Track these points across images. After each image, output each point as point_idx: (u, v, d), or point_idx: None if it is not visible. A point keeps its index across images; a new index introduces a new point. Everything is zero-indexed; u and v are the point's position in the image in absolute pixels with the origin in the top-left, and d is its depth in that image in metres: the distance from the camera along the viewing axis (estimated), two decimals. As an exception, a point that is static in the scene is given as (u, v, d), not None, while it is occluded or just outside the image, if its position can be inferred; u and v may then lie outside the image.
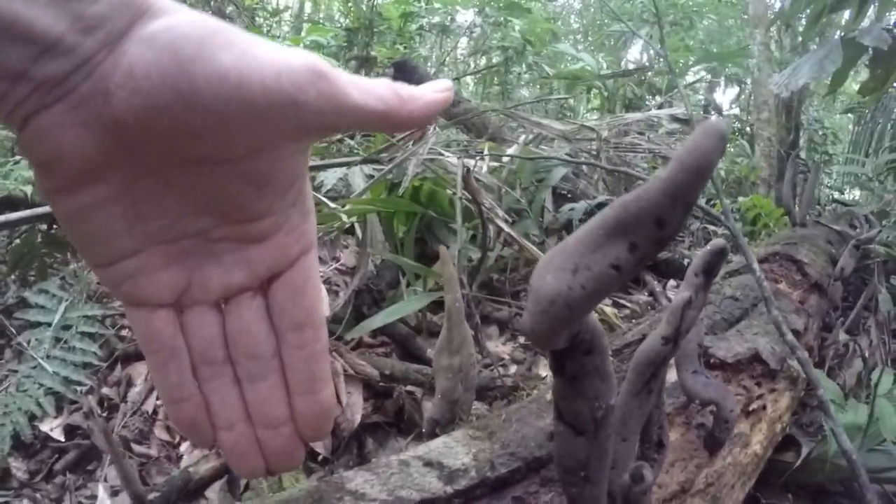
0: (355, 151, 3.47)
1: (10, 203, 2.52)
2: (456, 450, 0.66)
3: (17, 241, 2.68)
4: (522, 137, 2.22)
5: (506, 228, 1.81)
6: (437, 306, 1.92)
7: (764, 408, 1.18)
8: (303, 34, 4.85)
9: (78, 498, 1.72)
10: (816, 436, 1.44)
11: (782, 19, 4.20)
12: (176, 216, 0.39)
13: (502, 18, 7.70)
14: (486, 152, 2.07)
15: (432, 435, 1.00)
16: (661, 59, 6.81)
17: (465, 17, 8.40)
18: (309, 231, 0.43)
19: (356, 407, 1.54)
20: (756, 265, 1.32)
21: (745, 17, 6.81)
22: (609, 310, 2.09)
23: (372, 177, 2.15)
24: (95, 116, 0.33)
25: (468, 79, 9.02)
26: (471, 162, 1.84)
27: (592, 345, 0.44)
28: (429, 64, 8.14)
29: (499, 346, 2.06)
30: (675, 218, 0.35)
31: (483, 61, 9.19)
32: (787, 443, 1.42)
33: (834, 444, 1.21)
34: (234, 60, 0.34)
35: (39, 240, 2.54)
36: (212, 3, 6.63)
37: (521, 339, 2.11)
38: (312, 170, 1.95)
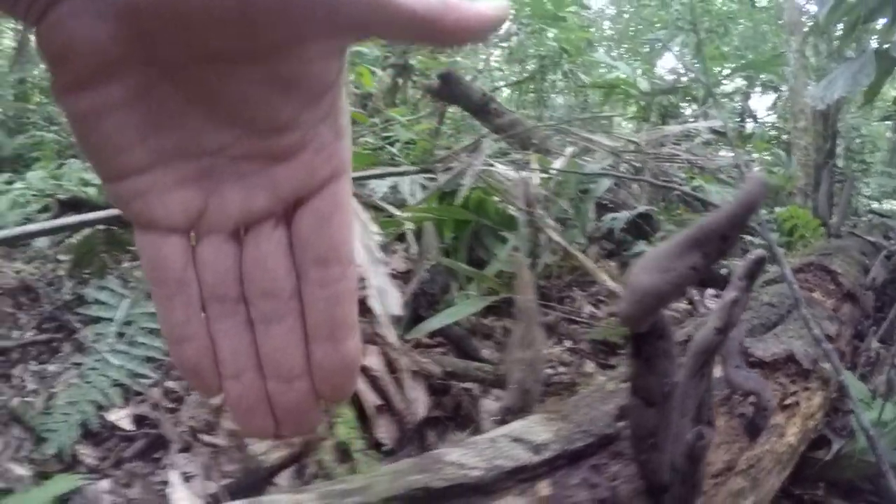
0: (397, 159, 3.61)
1: (75, 204, 2.67)
2: (536, 429, 0.78)
3: (79, 239, 2.79)
4: (569, 150, 2.33)
5: (556, 237, 1.92)
6: (487, 310, 2.04)
7: (797, 403, 1.28)
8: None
9: (148, 483, 1.80)
10: (847, 437, 1.54)
11: (817, 31, 4.24)
12: (195, 128, 0.36)
13: (537, 26, 7.77)
14: (535, 164, 2.19)
15: (503, 422, 1.12)
16: (697, 67, 6.83)
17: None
18: (341, 152, 0.38)
19: (420, 402, 1.66)
20: (789, 272, 1.42)
21: (781, 22, 6.79)
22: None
23: (422, 185, 2.28)
24: (110, 3, 0.32)
25: (502, 85, 9.05)
26: (528, 174, 1.96)
27: (664, 332, 0.57)
28: (463, 71, 8.25)
29: (547, 350, 2.17)
30: (733, 236, 0.49)
31: (517, 69, 9.29)
32: (820, 442, 1.52)
33: (862, 441, 1.31)
34: None
35: (100, 239, 2.66)
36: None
37: (568, 343, 2.21)
38: (367, 179, 2.07)
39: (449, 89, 3.32)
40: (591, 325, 2.29)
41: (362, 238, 1.58)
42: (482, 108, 3.23)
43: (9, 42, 10.16)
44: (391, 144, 4.17)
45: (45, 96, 8.01)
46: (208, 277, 0.37)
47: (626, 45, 11.50)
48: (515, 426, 0.81)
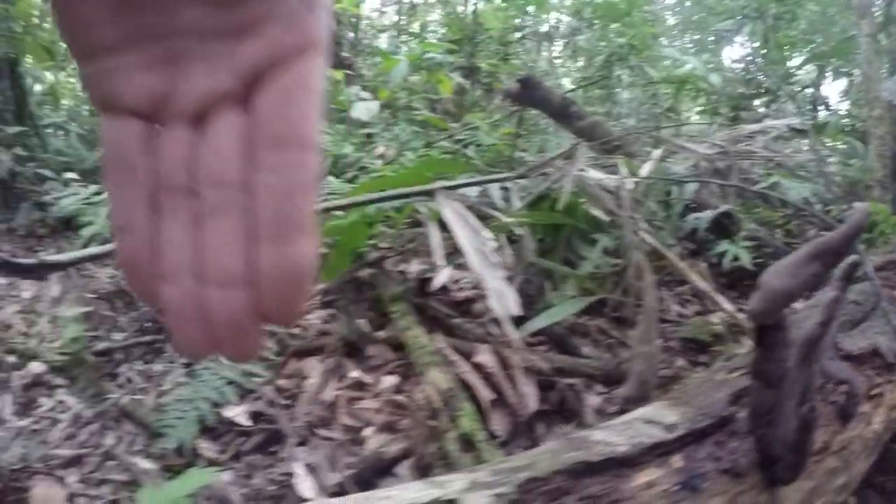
0: (472, 162, 3.74)
1: None
2: (664, 412, 0.94)
3: None
4: (656, 153, 2.43)
5: (649, 239, 2.04)
6: (583, 310, 2.17)
7: (882, 394, 1.40)
8: (405, 50, 5.13)
9: (269, 475, 1.92)
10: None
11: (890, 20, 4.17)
12: (164, 5, 0.34)
13: (601, 23, 7.79)
14: (623, 168, 2.29)
15: (623, 412, 1.26)
16: (766, 57, 6.74)
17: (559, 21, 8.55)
18: (313, 27, 0.35)
19: (530, 396, 1.80)
20: (871, 271, 1.53)
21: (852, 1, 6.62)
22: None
23: (507, 189, 2.41)
24: None
25: (566, 82, 9.07)
26: (622, 178, 2.07)
27: (783, 325, 0.72)
28: (527, 71, 8.31)
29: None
30: (844, 252, 0.64)
31: (581, 64, 9.32)
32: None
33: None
34: None
35: None
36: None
37: (658, 342, 2.33)
38: (465, 187, 2.19)
39: (529, 93, 3.39)
40: (679, 324, 2.40)
41: (473, 242, 1.71)
42: (563, 112, 3.31)
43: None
44: (465, 147, 4.32)
45: None
46: (162, 165, 0.35)
47: (689, 36, 11.34)
48: (644, 411, 0.96)
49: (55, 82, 9.19)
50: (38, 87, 8.95)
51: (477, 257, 1.67)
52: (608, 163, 2.45)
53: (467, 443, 1.64)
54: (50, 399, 2.80)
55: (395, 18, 10.02)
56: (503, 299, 1.57)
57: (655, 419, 0.91)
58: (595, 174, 2.20)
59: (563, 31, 8.30)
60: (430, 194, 1.96)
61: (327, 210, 1.94)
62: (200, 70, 0.35)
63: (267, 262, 0.33)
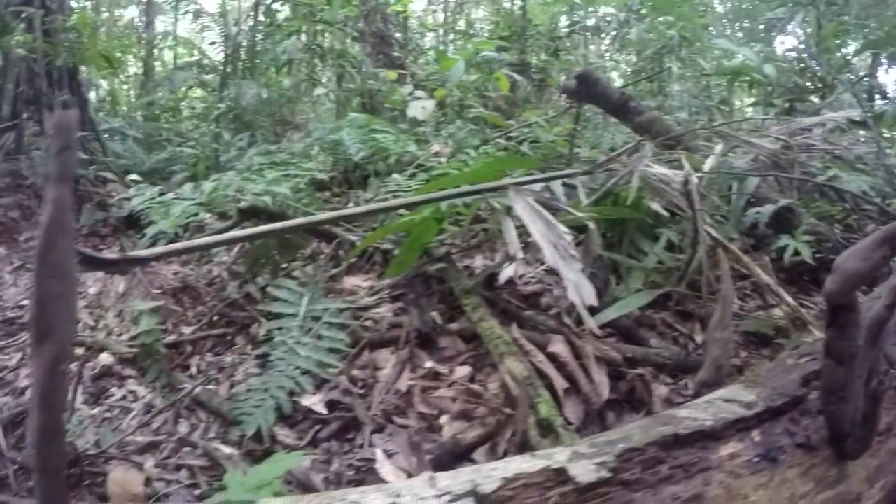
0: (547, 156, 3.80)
1: (254, 212, 2.98)
2: (742, 393, 1.03)
3: (256, 243, 3.05)
4: (718, 148, 2.47)
5: (713, 233, 2.10)
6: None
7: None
8: (469, 47, 5.20)
9: (347, 461, 2.00)
10: None
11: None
12: None
13: (650, 14, 7.74)
14: (686, 163, 2.33)
15: (698, 395, 1.34)
16: (819, 47, 6.63)
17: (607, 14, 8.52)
18: None
19: (603, 385, 1.88)
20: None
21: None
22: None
23: (569, 186, 2.47)
24: None
25: (615, 75, 9.00)
26: (688, 174, 2.12)
27: (855, 306, 0.81)
28: (577, 66, 8.30)
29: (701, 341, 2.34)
30: None
31: (628, 58, 9.28)
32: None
33: None
34: None
35: (274, 244, 2.90)
36: (370, 22, 7.15)
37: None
38: (536, 182, 2.24)
39: (587, 89, 3.44)
40: (741, 318, 2.44)
41: (548, 236, 1.79)
42: (621, 108, 3.34)
43: (136, 70, 10.99)
44: (519, 144, 4.38)
45: (171, 116, 8.75)
46: None
47: (739, 25, 11.13)
48: (723, 392, 1.06)
49: (114, 89, 9.51)
50: (95, 94, 9.26)
51: (552, 250, 1.75)
52: (669, 158, 2.49)
53: (545, 428, 1.72)
54: (120, 389, 2.94)
55: (442, 17, 10.09)
56: (581, 290, 1.65)
57: (734, 398, 1.00)
58: (660, 169, 2.24)
59: (613, 24, 8.24)
60: (501, 190, 2.04)
61: (401, 206, 2.03)
62: None
63: None
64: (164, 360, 2.61)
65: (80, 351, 3.27)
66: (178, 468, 2.16)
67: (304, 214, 3.01)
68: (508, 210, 1.95)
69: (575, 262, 1.75)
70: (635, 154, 2.34)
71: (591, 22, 8.67)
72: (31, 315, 0.73)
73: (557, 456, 0.89)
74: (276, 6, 6.88)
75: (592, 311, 2.12)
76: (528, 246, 2.08)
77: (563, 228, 1.83)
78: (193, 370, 2.71)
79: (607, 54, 9.53)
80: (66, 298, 0.75)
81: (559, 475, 0.84)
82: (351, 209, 1.82)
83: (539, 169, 2.85)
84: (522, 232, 1.90)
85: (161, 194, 3.71)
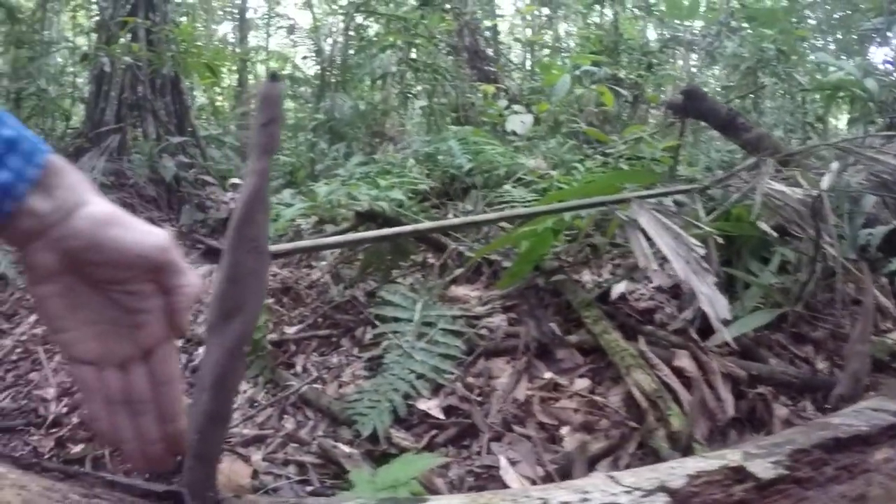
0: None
1: (371, 216, 3.02)
2: (885, 403, 1.03)
3: (369, 247, 3.09)
4: (834, 165, 2.40)
5: (832, 252, 2.03)
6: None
7: None
8: (568, 62, 5.18)
9: (466, 467, 1.97)
10: None
11: None
12: (98, 308, 0.69)
13: (751, 26, 7.57)
14: (801, 180, 2.27)
15: (836, 409, 1.31)
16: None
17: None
18: (167, 325, 0.71)
19: (729, 402, 1.84)
20: None
21: None
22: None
23: (680, 204, 2.43)
24: (56, 247, 0.66)
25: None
26: (813, 192, 2.07)
27: None
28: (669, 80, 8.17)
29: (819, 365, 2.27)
30: None
31: (718, 72, 9.10)
32: None
33: None
34: (117, 232, 0.67)
35: (387, 248, 2.92)
36: (463, 36, 7.21)
37: (836, 359, 2.29)
38: (653, 197, 2.21)
39: (693, 105, 3.38)
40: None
41: (678, 249, 1.76)
42: (729, 124, 3.27)
43: (231, 82, 11.35)
44: (617, 160, 4.33)
45: None
46: (108, 390, 0.70)
47: (833, 37, 10.75)
48: (867, 403, 1.06)
49: (213, 98, 9.84)
50: (193, 103, 9.61)
51: (682, 263, 1.73)
52: (783, 176, 2.43)
53: (676, 441, 1.69)
54: None
55: (530, 32, 10.11)
56: (715, 304, 1.62)
57: (881, 408, 1.01)
58: (778, 186, 2.19)
59: (707, 38, 8.09)
60: (623, 203, 2.02)
61: (526, 215, 2.03)
62: (119, 343, 0.70)
63: (168, 429, 0.72)
64: (268, 356, 2.65)
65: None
66: (286, 463, 2.16)
67: (414, 222, 3.03)
68: (614, 225, 1.93)
69: (708, 275, 1.72)
70: (755, 171, 2.28)
71: (684, 36, 8.54)
72: (217, 291, 0.72)
73: (730, 455, 0.89)
74: (366, 22, 7.01)
75: (711, 329, 2.09)
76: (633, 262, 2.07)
77: (693, 241, 1.80)
78: (298, 369, 2.74)
79: (695, 69, 9.37)
80: (259, 275, 0.73)
81: (738, 473, 0.85)
82: (479, 216, 1.83)
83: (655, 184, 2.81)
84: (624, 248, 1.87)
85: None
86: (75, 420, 2.77)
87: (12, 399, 3.18)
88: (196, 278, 0.73)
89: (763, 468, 0.86)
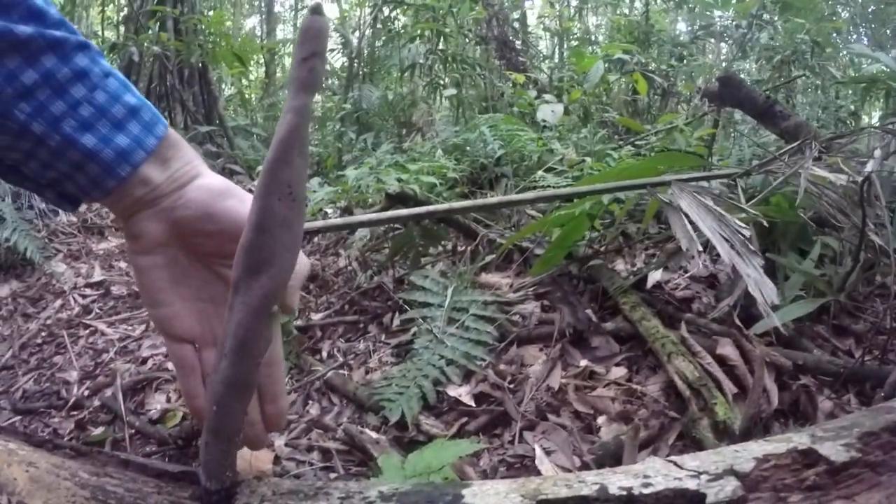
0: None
1: (402, 198, 2.97)
2: None
3: (398, 232, 3.08)
4: (878, 152, 2.32)
5: (878, 241, 1.96)
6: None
7: None
8: (600, 52, 5.11)
9: (498, 456, 1.92)
10: None
11: None
12: (199, 285, 0.69)
13: (784, 17, 7.45)
14: (844, 167, 2.20)
15: (890, 397, 1.24)
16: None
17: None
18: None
19: (773, 392, 1.77)
20: None
21: None
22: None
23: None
24: (166, 217, 0.66)
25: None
26: (855, 177, 2.00)
27: None
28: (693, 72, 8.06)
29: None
30: None
31: (749, 65, 8.95)
32: None
33: None
34: (232, 203, 0.67)
35: (417, 232, 2.92)
36: (495, 28, 7.15)
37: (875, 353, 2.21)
38: (695, 180, 2.15)
39: (730, 92, 3.30)
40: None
41: (722, 231, 1.70)
42: (767, 111, 3.18)
43: (258, 74, 11.39)
44: (649, 149, 4.26)
45: None
46: (206, 368, 0.70)
47: (865, 30, 10.57)
48: None
49: (241, 88, 9.87)
50: (224, 92, 9.67)
51: (727, 246, 1.67)
52: (825, 164, 2.35)
53: (721, 431, 1.63)
54: None
55: (558, 23, 10.03)
56: (763, 288, 1.56)
57: None
58: (821, 172, 2.12)
59: (741, 28, 7.95)
60: (663, 186, 1.96)
61: (565, 196, 1.98)
62: (221, 324, 0.66)
63: (269, 410, 0.72)
64: (293, 341, 2.62)
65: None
66: (310, 449, 2.13)
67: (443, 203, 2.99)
68: (654, 206, 1.87)
69: (755, 257, 1.66)
70: (796, 156, 2.21)
71: (711, 24, 8.42)
72: (244, 241, 0.63)
73: (797, 438, 0.84)
74: (394, 14, 6.98)
75: (754, 317, 2.03)
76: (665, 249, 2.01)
77: (738, 223, 1.74)
78: (324, 354, 2.72)
79: (726, 61, 9.25)
80: (292, 226, 0.64)
81: (808, 456, 0.81)
82: (516, 195, 1.78)
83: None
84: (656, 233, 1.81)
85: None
86: (97, 403, 2.78)
87: (35, 382, 3.21)
88: (304, 257, 0.69)
89: (834, 451, 0.81)
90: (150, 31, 6.27)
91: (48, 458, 1.00)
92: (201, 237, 0.68)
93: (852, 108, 7.18)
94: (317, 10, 0.63)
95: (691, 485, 0.75)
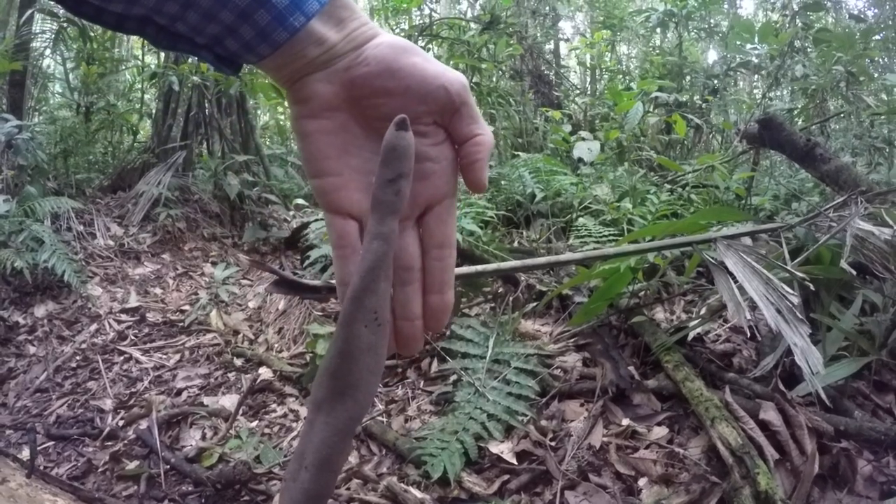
0: (695, 206, 3.64)
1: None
2: None
3: None
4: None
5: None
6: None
7: None
8: (634, 86, 5.10)
9: None
10: None
11: None
12: (368, 156, 0.61)
13: (820, 49, 7.37)
14: (888, 219, 2.17)
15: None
16: None
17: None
18: (452, 182, 0.62)
19: (814, 457, 1.75)
20: None
21: None
22: None
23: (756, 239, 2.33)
24: (339, 78, 0.59)
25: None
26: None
27: None
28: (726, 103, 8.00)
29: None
30: None
31: (779, 94, 8.88)
32: None
33: None
34: (418, 60, 0.59)
35: (458, 283, 2.92)
36: (529, 63, 7.17)
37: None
38: (741, 236, 2.12)
39: (770, 134, 3.28)
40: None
41: (769, 296, 1.68)
42: (808, 155, 3.16)
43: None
44: (682, 187, 4.24)
45: None
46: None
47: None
48: None
49: (278, 117, 10.00)
50: (261, 121, 9.81)
51: (773, 312, 1.65)
52: (868, 212, 2.33)
53: (763, 501, 1.61)
54: (281, 406, 2.99)
55: (589, 57, 10.04)
56: (808, 357, 1.54)
57: None
58: (866, 226, 2.10)
59: (775, 61, 7.89)
60: (708, 242, 1.95)
61: (612, 256, 1.98)
62: None
63: (432, 302, 0.61)
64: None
65: (238, 362, 3.40)
66: (350, 501, 2.13)
67: (487, 253, 3.00)
68: (721, 266, 1.85)
69: (802, 325, 1.64)
70: (841, 210, 2.19)
71: (745, 57, 8.36)
72: (329, 366, 0.63)
73: None
74: (429, 46, 7.02)
75: (796, 376, 2.00)
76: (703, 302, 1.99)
77: (785, 288, 1.72)
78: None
79: (758, 92, 9.18)
80: (378, 350, 0.63)
81: None
82: (565, 256, 1.77)
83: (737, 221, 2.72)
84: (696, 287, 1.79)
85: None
86: (131, 435, 2.81)
87: (69, 407, 3.26)
88: (489, 130, 0.64)
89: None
90: (189, 61, 6.36)
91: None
92: (382, 97, 0.61)
93: (888, 135, 7.08)
94: (402, 126, 0.63)
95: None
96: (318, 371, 0.69)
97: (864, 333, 2.21)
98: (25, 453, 2.68)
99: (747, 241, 2.29)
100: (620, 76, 8.64)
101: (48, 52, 7.61)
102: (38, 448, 2.79)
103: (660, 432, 2.05)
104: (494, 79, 6.68)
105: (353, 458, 2.37)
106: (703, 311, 2.58)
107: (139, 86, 8.17)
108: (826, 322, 2.18)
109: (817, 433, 1.84)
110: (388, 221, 0.62)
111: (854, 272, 2.19)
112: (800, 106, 7.76)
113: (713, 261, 1.89)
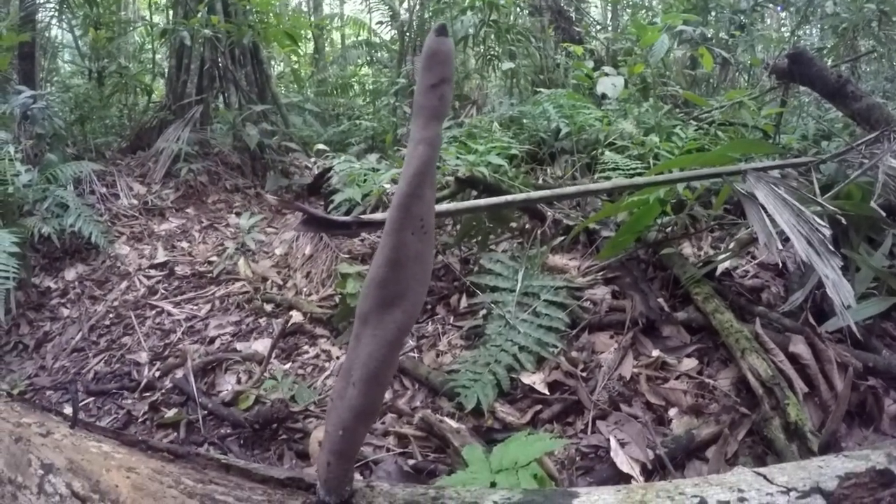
0: (721, 141, 3.57)
1: (472, 182, 2.94)
2: None
3: (467, 216, 3.05)
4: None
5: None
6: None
7: None
8: (658, 20, 4.97)
9: (573, 445, 1.94)
10: None
11: None
12: None
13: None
14: None
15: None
16: None
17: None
18: None
19: (847, 392, 1.74)
20: None
21: None
22: None
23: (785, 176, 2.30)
24: None
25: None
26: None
27: None
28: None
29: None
30: None
31: (808, 32, 8.64)
32: None
33: None
34: None
35: (486, 215, 2.91)
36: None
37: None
38: (772, 168, 2.09)
39: (800, 70, 3.18)
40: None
41: (799, 227, 1.66)
42: (838, 91, 3.06)
43: (306, 50, 11.39)
44: (709, 124, 4.16)
45: (342, 93, 9.08)
46: None
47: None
48: None
49: (293, 66, 9.92)
50: (276, 70, 9.73)
51: (804, 243, 1.64)
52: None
53: (791, 432, 1.62)
54: (313, 348, 3.03)
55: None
56: (840, 289, 1.53)
57: None
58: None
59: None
60: (738, 174, 1.93)
61: (641, 186, 1.96)
62: None
63: None
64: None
65: (268, 307, 3.45)
66: (386, 434, 2.18)
67: (513, 188, 2.97)
68: (752, 197, 1.83)
69: (834, 257, 1.63)
70: (873, 146, 2.14)
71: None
72: (377, 275, 0.61)
73: (874, 457, 0.88)
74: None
75: (825, 311, 1.99)
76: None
77: (817, 221, 1.70)
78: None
79: (785, 29, 8.93)
80: (424, 259, 0.62)
81: (884, 476, 0.84)
82: (593, 185, 1.77)
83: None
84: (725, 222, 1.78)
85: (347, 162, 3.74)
86: (168, 384, 2.87)
87: (105, 363, 3.32)
88: None
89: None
90: (199, 15, 6.29)
91: (146, 461, 1.02)
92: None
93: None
94: (442, 32, 0.60)
95: (782, 501, 0.78)
96: (364, 283, 0.68)
97: (894, 274, 2.19)
98: (67, 410, 2.75)
99: (776, 174, 2.27)
100: (643, 11, 8.44)
101: (54, 21, 7.59)
102: (80, 403, 2.85)
103: (689, 364, 2.06)
104: (513, 16, 6.55)
105: (387, 394, 2.38)
106: (731, 245, 2.56)
107: (149, 46, 8.12)
108: (856, 259, 2.16)
109: (844, 368, 1.83)
110: (432, 126, 0.61)
111: (883, 213, 2.17)
112: (830, 45, 7.53)
113: (744, 192, 1.87)
